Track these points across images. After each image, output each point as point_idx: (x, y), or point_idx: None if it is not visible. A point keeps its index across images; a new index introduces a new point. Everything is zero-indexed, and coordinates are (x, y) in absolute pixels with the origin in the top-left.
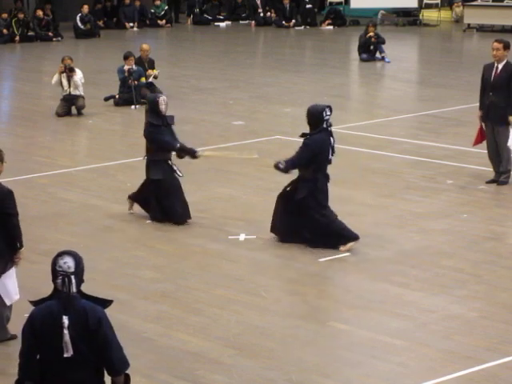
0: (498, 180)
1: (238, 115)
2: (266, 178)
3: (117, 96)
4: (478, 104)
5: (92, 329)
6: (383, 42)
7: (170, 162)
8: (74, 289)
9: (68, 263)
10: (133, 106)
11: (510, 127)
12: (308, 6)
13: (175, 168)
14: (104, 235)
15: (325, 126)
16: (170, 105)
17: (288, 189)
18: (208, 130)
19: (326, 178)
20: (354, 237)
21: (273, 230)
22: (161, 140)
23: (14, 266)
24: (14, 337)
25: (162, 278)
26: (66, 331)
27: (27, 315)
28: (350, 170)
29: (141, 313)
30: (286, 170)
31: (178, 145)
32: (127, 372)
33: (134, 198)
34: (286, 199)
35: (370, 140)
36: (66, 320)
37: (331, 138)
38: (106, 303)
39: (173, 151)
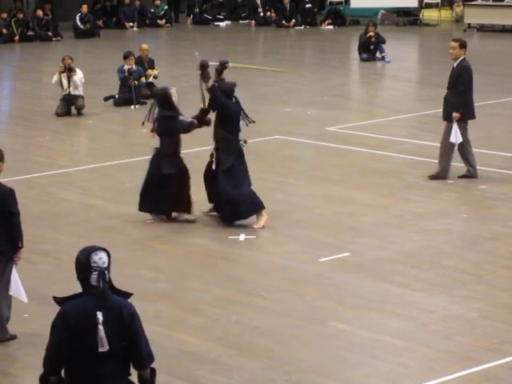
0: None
1: None
2: (266, 177)
3: (117, 96)
4: (478, 104)
5: (126, 324)
6: (383, 42)
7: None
8: (107, 284)
9: (103, 258)
10: (132, 106)
11: (453, 123)
12: (307, 5)
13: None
14: (104, 235)
15: (234, 100)
16: None
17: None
18: (208, 129)
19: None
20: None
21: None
22: (183, 125)
23: (13, 265)
24: (13, 337)
25: (162, 277)
26: (100, 326)
27: (27, 315)
28: (350, 170)
29: (141, 313)
30: (205, 76)
31: (195, 121)
32: (153, 366)
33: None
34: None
35: (370, 140)
36: (100, 316)
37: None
38: (127, 296)
39: (195, 128)
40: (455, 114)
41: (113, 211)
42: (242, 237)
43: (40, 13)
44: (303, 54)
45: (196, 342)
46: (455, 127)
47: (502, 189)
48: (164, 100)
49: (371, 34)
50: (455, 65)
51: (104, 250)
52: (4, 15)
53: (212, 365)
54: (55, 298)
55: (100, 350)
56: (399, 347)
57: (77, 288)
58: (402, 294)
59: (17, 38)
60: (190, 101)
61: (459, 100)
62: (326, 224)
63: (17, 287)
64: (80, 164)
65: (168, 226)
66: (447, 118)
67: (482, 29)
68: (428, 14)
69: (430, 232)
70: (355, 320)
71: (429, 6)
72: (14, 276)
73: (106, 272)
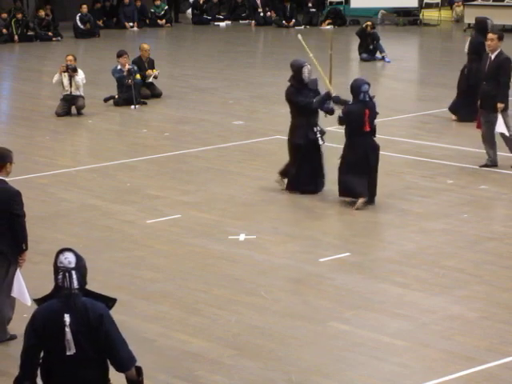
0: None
1: (238, 115)
2: (266, 177)
3: (116, 96)
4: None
5: (94, 325)
6: (378, 39)
7: (315, 128)
8: (74, 285)
9: (68, 258)
10: (132, 106)
11: (498, 114)
12: (312, 9)
13: (318, 136)
14: (104, 235)
15: (362, 98)
16: (170, 104)
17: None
18: (208, 129)
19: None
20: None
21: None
22: (297, 100)
23: (18, 267)
24: (13, 337)
25: (162, 278)
26: (67, 329)
27: (26, 316)
28: None
29: (141, 313)
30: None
31: (314, 100)
32: (138, 365)
33: (284, 172)
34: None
35: None
36: (67, 318)
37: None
38: (110, 302)
39: (310, 108)
40: (500, 105)
41: (113, 211)
42: (241, 237)
43: (42, 13)
44: (303, 54)
45: (196, 341)
46: (500, 117)
47: (502, 189)
48: (296, 74)
49: (368, 23)
50: (493, 57)
51: (72, 250)
52: (4, 15)
53: (212, 365)
54: (35, 300)
55: (67, 353)
56: (399, 347)
57: None
58: (402, 293)
59: (16, 38)
60: (191, 101)
61: (503, 91)
62: (326, 224)
63: (20, 289)
64: (80, 164)
65: (168, 226)
66: (490, 109)
67: None
68: (428, 14)
69: (430, 232)
70: (355, 320)
71: (429, 6)
72: (18, 278)
73: (73, 272)
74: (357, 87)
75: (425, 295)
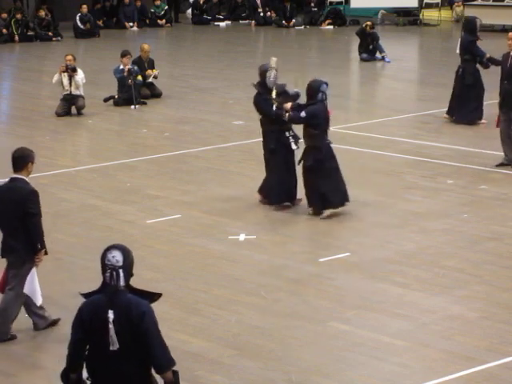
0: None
1: (238, 115)
2: None
3: (116, 96)
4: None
5: (135, 322)
6: (378, 39)
7: (287, 133)
8: (121, 282)
9: (116, 257)
10: (132, 106)
11: None
12: (314, 9)
13: (291, 140)
14: (104, 235)
15: (320, 98)
16: (170, 104)
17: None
18: (208, 129)
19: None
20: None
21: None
22: (262, 108)
23: (34, 267)
24: (13, 337)
25: (162, 278)
26: (111, 325)
27: (27, 316)
28: (350, 170)
29: None
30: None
31: (273, 110)
32: (175, 369)
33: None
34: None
35: (370, 140)
36: (111, 314)
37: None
38: (154, 296)
39: (271, 117)
40: None
41: (113, 211)
42: (241, 237)
43: (42, 13)
44: (303, 54)
45: (196, 341)
46: None
47: (502, 189)
48: (262, 77)
49: (367, 23)
50: None
51: (120, 248)
52: (4, 15)
53: (212, 365)
54: (82, 294)
55: (111, 348)
56: (399, 347)
57: (76, 288)
58: (402, 294)
59: (16, 38)
60: (191, 101)
61: None
62: (326, 224)
63: (32, 288)
64: (80, 164)
65: (168, 226)
66: (509, 107)
67: (482, 29)
68: (428, 14)
69: (430, 232)
70: (355, 320)
71: (429, 6)
72: (33, 277)
73: (121, 271)
74: (316, 87)
75: (425, 295)
